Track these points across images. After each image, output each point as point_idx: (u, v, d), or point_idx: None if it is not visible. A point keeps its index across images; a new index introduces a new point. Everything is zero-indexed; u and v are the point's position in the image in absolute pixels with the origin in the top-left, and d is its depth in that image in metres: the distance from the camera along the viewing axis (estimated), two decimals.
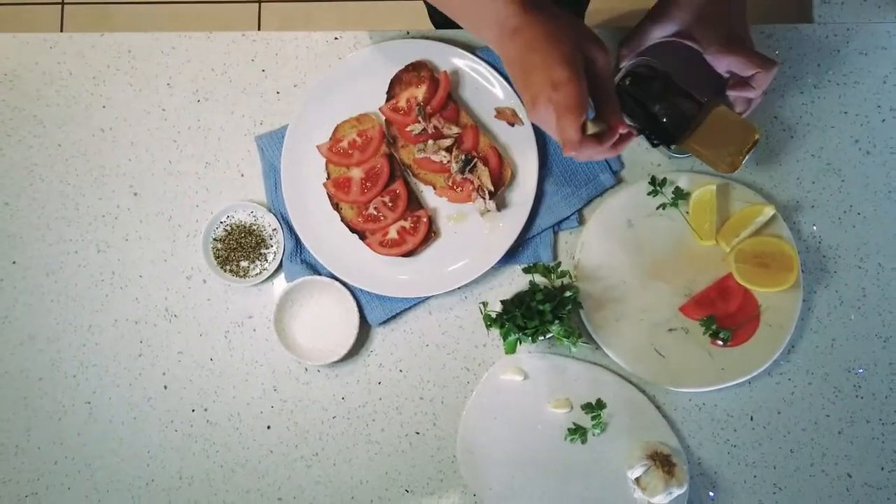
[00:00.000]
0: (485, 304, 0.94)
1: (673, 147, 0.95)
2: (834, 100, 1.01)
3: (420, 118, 0.96)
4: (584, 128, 0.75)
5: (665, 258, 0.97)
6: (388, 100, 0.98)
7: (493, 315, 0.92)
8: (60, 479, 0.99)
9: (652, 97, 0.94)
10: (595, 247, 0.98)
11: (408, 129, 0.97)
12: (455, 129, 0.97)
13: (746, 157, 0.90)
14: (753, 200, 0.97)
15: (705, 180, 0.97)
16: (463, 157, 0.96)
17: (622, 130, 0.78)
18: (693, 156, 0.94)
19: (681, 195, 0.97)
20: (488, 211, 0.96)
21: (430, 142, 0.97)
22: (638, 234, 0.98)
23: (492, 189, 0.95)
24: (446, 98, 0.98)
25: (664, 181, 0.97)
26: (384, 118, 0.99)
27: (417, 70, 0.98)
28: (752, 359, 0.95)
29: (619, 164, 1.00)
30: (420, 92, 0.96)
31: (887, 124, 1.00)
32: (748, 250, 0.95)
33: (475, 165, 0.96)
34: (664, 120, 0.93)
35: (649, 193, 0.97)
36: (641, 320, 0.96)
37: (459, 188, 0.97)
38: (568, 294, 0.91)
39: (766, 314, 0.95)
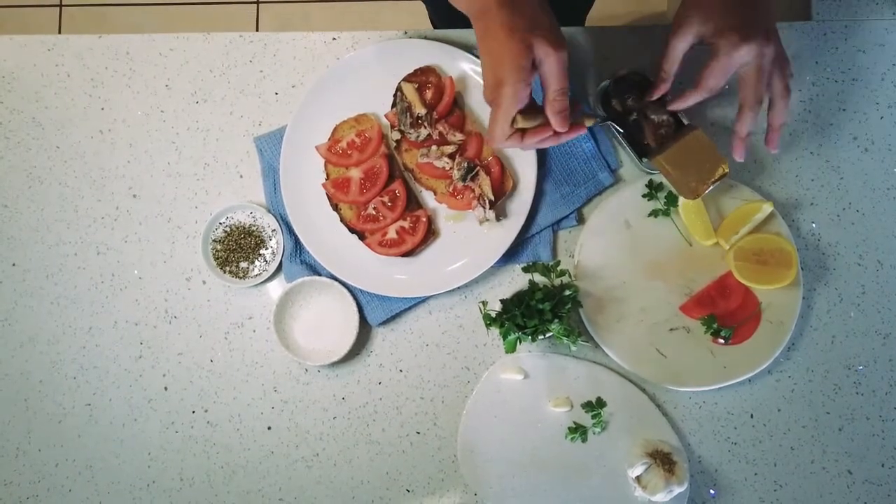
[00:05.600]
0: (484, 303, 0.94)
1: (644, 160, 0.96)
2: (832, 97, 1.01)
3: (425, 123, 0.96)
4: (514, 121, 0.80)
5: (664, 257, 0.97)
6: (393, 105, 0.98)
7: (493, 314, 0.92)
8: (61, 482, 0.99)
9: (633, 107, 0.95)
10: (594, 246, 0.98)
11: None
12: (459, 136, 0.97)
13: (710, 189, 0.91)
14: (751, 198, 0.97)
15: None
16: (465, 164, 0.95)
17: (559, 129, 0.81)
18: (661, 173, 0.94)
19: (673, 202, 0.97)
20: (487, 220, 0.96)
21: (434, 147, 0.97)
22: (636, 233, 0.98)
23: (492, 199, 0.95)
24: (452, 104, 0.98)
25: (660, 185, 0.97)
26: (388, 122, 0.99)
27: (426, 75, 0.98)
28: (754, 356, 0.95)
29: (618, 163, 1.00)
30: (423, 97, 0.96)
31: (885, 121, 1.00)
32: (747, 248, 0.95)
33: (477, 174, 0.96)
34: (639, 130, 0.94)
35: (644, 196, 0.98)
36: (642, 321, 0.96)
37: (460, 196, 0.97)
38: (567, 293, 0.91)
39: (767, 311, 0.95)
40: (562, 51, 0.76)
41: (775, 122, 0.89)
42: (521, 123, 0.80)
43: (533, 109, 0.81)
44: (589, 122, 0.86)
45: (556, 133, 0.82)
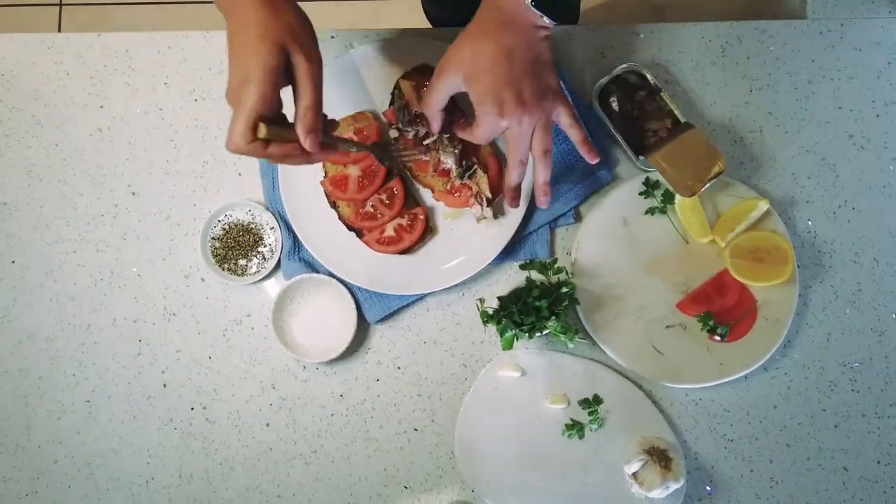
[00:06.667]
0: (482, 300, 0.95)
1: (641, 158, 0.96)
2: (828, 95, 1.01)
3: (423, 121, 0.96)
4: (257, 130, 0.71)
5: (661, 255, 0.98)
6: (391, 103, 0.98)
7: (490, 311, 0.92)
8: (60, 478, 1.00)
9: (630, 105, 0.95)
10: (591, 244, 0.98)
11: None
12: None
13: (706, 186, 0.92)
14: (747, 195, 0.97)
15: None
16: (463, 162, 0.96)
17: (309, 149, 0.73)
18: (658, 171, 0.94)
19: (670, 200, 0.97)
20: (485, 218, 0.96)
21: None
22: (633, 231, 0.98)
23: (490, 196, 0.95)
24: None
25: (657, 183, 0.98)
26: (385, 120, 0.99)
27: (423, 73, 0.98)
28: (750, 353, 0.95)
29: (615, 161, 1.00)
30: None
31: (881, 119, 1.01)
32: (743, 245, 0.95)
33: (475, 172, 0.96)
34: (636, 130, 0.95)
35: (641, 194, 0.98)
36: (638, 318, 0.97)
37: (458, 193, 0.97)
38: (564, 290, 0.92)
39: (763, 309, 0.96)
40: (315, 63, 0.71)
41: (538, 179, 0.87)
42: (263, 133, 0.71)
43: (283, 124, 0.74)
44: (345, 148, 0.82)
45: (305, 152, 0.74)
